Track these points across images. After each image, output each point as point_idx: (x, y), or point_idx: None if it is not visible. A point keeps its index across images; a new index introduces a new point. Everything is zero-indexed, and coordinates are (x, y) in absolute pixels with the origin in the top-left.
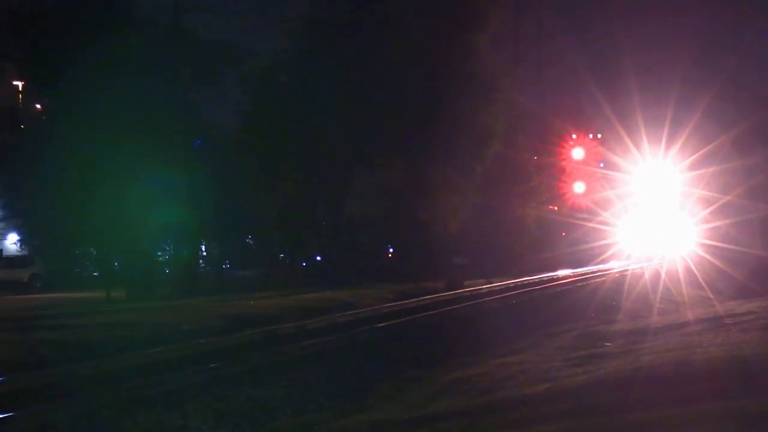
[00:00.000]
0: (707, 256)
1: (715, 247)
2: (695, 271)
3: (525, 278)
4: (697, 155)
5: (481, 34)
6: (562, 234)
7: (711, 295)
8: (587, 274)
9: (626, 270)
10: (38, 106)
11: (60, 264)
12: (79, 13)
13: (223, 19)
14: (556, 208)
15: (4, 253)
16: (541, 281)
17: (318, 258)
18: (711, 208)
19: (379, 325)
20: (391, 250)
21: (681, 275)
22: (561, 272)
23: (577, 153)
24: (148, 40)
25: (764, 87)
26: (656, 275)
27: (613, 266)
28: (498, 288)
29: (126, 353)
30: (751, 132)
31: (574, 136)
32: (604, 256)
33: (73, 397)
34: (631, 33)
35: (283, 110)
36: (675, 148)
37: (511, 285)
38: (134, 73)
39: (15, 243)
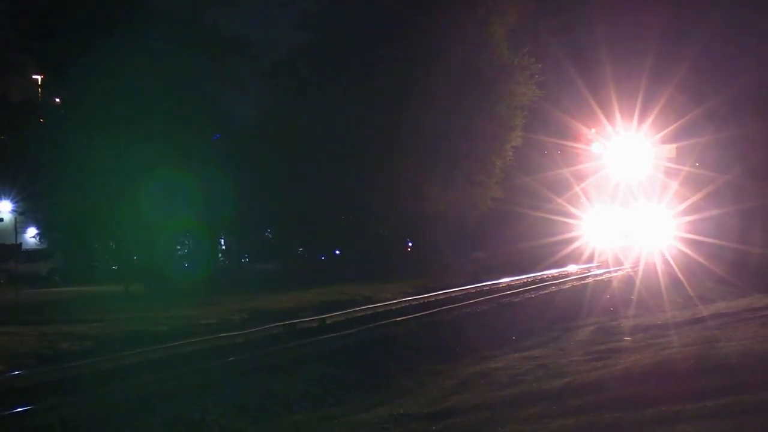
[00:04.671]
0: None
1: (698, 242)
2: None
3: (544, 273)
4: (671, 129)
5: (501, 27)
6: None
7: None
8: (600, 270)
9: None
10: (57, 99)
11: (79, 258)
12: (99, 6)
13: (242, 13)
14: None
15: (24, 247)
16: (560, 276)
17: (337, 252)
18: (694, 198)
19: (398, 319)
20: (410, 244)
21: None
22: (576, 267)
23: (597, 147)
24: (168, 34)
25: (737, 60)
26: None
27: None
28: (517, 283)
29: (145, 347)
30: (726, 105)
31: (593, 130)
32: (598, 251)
33: (92, 391)
34: (603, 7)
35: (301, 104)
36: (650, 122)
37: (530, 280)
38: (153, 66)
39: (34, 237)
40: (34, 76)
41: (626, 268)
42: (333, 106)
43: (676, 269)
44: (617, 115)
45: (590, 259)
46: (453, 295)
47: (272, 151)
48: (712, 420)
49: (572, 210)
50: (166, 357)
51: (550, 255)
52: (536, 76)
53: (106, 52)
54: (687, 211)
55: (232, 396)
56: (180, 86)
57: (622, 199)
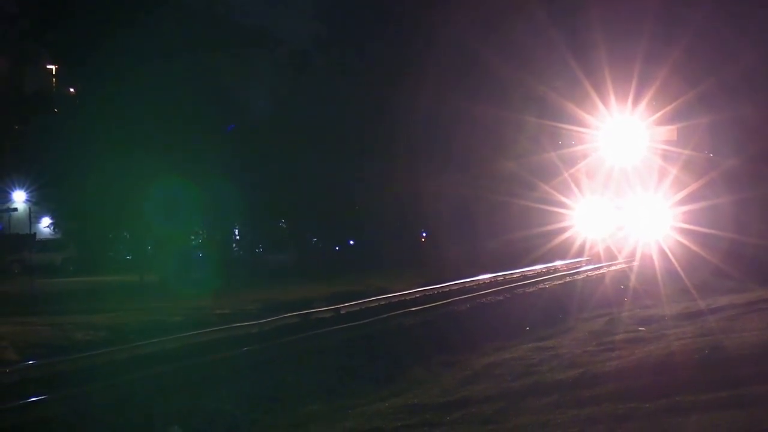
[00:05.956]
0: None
1: (698, 233)
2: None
3: (558, 263)
4: (669, 109)
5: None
6: None
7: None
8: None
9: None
10: (71, 89)
11: (93, 248)
12: None
13: (256, 2)
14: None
15: (38, 237)
16: (573, 266)
17: (351, 242)
18: (694, 185)
19: (412, 309)
20: (424, 234)
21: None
22: (566, 261)
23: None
24: (182, 24)
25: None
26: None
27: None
28: (531, 273)
29: (159, 337)
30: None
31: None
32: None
33: (106, 381)
34: None
35: (314, 95)
36: (646, 102)
37: (543, 271)
38: (167, 56)
39: (48, 227)
40: (49, 66)
41: (621, 261)
42: (343, 96)
43: (676, 263)
44: (611, 96)
45: (580, 253)
46: (466, 285)
47: (286, 142)
48: (725, 410)
49: (561, 198)
50: (180, 347)
51: (540, 247)
52: (546, 67)
53: (120, 43)
54: (686, 200)
55: (246, 386)
56: (194, 76)
57: (615, 187)
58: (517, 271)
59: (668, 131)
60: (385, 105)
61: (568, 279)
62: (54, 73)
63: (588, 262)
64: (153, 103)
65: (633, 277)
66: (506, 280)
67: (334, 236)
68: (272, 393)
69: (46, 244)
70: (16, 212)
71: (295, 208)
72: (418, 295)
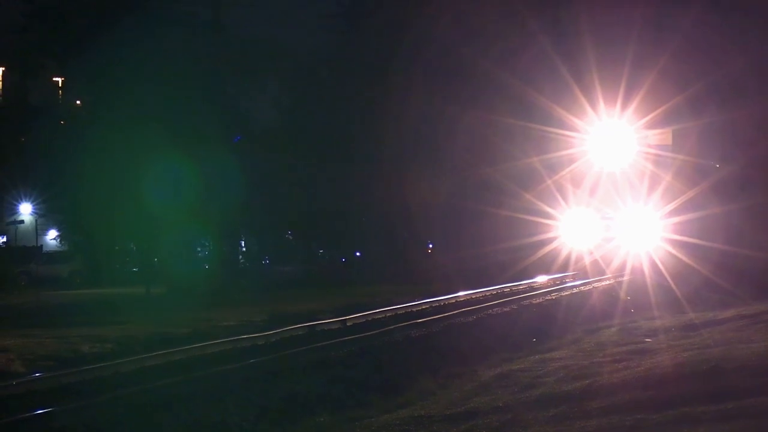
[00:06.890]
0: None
1: (692, 245)
2: None
3: (565, 274)
4: (661, 111)
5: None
6: None
7: None
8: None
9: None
10: (78, 102)
11: (100, 260)
12: (119, 9)
13: (261, 14)
14: None
15: (45, 249)
16: (560, 281)
17: (358, 254)
18: (689, 194)
19: (418, 321)
20: (430, 246)
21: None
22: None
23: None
24: (188, 36)
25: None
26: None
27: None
28: (538, 285)
29: (166, 349)
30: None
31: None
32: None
33: (113, 394)
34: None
35: (322, 105)
36: (636, 106)
37: (550, 283)
38: (174, 68)
39: (55, 239)
40: (55, 79)
41: (611, 275)
42: (352, 107)
43: (668, 277)
44: (600, 98)
45: (565, 267)
46: (472, 297)
47: (292, 153)
48: (733, 421)
49: (545, 208)
50: (187, 359)
51: (527, 260)
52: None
53: (127, 55)
54: (678, 209)
55: (253, 398)
56: (200, 88)
57: (603, 195)
58: (509, 285)
59: (662, 134)
60: (383, 114)
61: (563, 293)
62: (60, 85)
63: (575, 277)
64: (158, 116)
65: (628, 291)
66: (511, 292)
67: (340, 248)
68: (279, 405)
69: (52, 256)
70: (22, 224)
71: (302, 220)
72: (424, 307)
